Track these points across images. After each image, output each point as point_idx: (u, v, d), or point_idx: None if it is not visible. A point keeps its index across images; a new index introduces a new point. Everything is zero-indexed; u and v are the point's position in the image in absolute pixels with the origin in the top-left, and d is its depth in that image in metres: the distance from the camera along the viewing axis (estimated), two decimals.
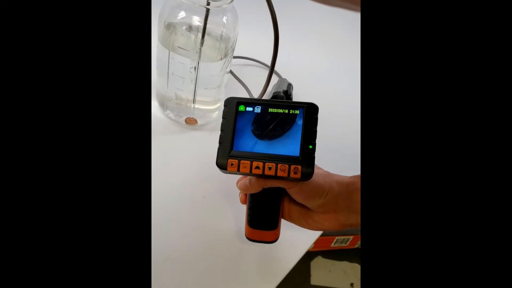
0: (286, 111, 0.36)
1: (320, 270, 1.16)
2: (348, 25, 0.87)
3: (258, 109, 0.36)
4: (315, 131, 0.35)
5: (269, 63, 0.68)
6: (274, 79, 0.66)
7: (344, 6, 0.27)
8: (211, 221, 0.47)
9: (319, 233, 0.49)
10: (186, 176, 0.50)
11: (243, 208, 0.42)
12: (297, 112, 0.35)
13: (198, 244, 0.44)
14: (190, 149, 0.54)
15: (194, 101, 0.52)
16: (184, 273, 0.42)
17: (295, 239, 0.46)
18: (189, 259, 0.43)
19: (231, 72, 0.63)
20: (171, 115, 0.56)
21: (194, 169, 0.51)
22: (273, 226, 0.39)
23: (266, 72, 0.69)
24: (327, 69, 0.75)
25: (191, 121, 0.56)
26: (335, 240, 0.97)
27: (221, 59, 0.48)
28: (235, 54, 0.67)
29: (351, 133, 0.60)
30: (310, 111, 0.35)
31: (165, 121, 0.56)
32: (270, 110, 0.36)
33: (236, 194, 0.41)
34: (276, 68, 0.69)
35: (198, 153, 0.53)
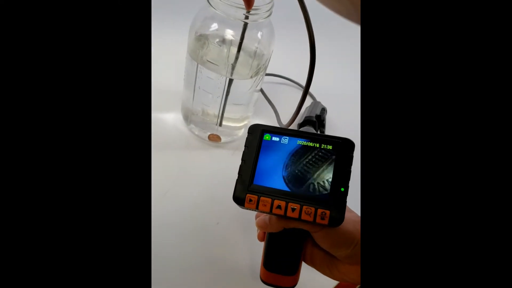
0: (317, 145, 0.32)
1: None
2: None
3: (285, 140, 0.32)
4: (349, 172, 0.30)
5: (303, 83, 0.65)
6: (308, 101, 0.62)
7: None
8: (223, 253, 0.43)
9: None
10: (202, 197, 0.47)
11: (261, 243, 0.38)
12: (330, 147, 0.31)
13: (205, 279, 0.40)
14: (210, 167, 0.51)
15: (219, 118, 0.49)
16: None
17: (313, 283, 0.42)
18: None
19: (261, 91, 0.60)
20: (195, 129, 0.53)
21: (211, 190, 0.48)
22: (292, 272, 0.34)
23: (299, 93, 0.65)
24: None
25: (214, 138, 0.53)
26: (358, 287, 0.90)
27: (251, 77, 0.45)
28: (268, 71, 0.64)
29: None
30: (345, 148, 0.31)
31: (188, 135, 0.53)
32: (299, 142, 0.32)
33: (253, 225, 0.37)
34: (311, 89, 0.65)
35: (218, 172, 0.50)
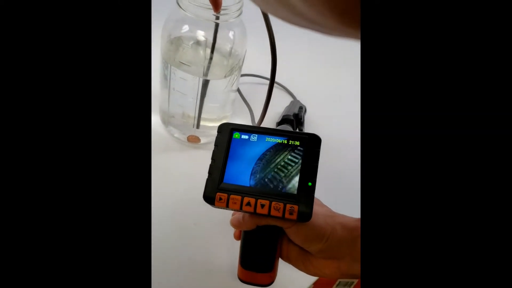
0: (285, 141, 0.32)
1: None
2: None
3: (254, 138, 0.32)
4: (316, 167, 0.31)
5: (282, 82, 0.65)
6: (287, 100, 0.63)
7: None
8: (202, 254, 0.43)
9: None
10: (182, 198, 0.47)
11: (239, 243, 0.38)
12: (297, 143, 0.32)
13: (184, 280, 0.40)
14: (190, 169, 0.51)
15: (196, 119, 0.49)
16: None
17: (292, 280, 0.42)
18: None
19: (238, 91, 0.60)
20: (174, 131, 0.53)
21: (191, 191, 0.48)
22: (268, 268, 0.35)
23: (278, 92, 0.66)
24: (347, 92, 0.71)
25: (193, 139, 0.53)
26: (337, 283, 0.89)
27: (225, 76, 0.45)
28: (247, 72, 0.64)
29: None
30: (311, 143, 0.31)
31: (167, 138, 0.54)
32: (268, 139, 0.32)
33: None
34: (292, 89, 0.66)
35: (197, 173, 0.50)
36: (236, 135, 0.33)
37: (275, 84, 0.67)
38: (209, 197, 0.31)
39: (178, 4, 0.40)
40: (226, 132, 0.33)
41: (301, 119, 0.54)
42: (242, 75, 0.64)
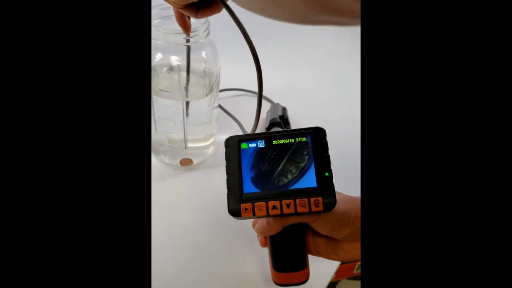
0: (292, 140, 0.33)
1: None
2: (329, 39, 0.86)
3: (262, 144, 0.33)
4: (328, 156, 0.32)
5: (255, 89, 0.67)
6: (266, 106, 0.64)
7: (328, 22, 0.25)
8: (226, 268, 0.43)
9: (339, 262, 0.45)
10: (189, 220, 0.47)
11: (258, 249, 0.38)
12: (304, 139, 0.33)
13: None
14: (188, 191, 0.51)
15: (186, 141, 0.50)
16: None
17: (315, 272, 0.43)
18: None
19: (220, 106, 0.62)
20: (165, 159, 0.53)
21: (196, 212, 0.48)
22: (302, 265, 0.35)
23: (253, 99, 0.68)
24: (318, 87, 0.73)
25: (186, 162, 0.53)
26: (357, 266, 0.91)
27: (206, 95, 0.46)
28: (222, 87, 0.66)
29: (351, 152, 0.58)
30: (318, 135, 0.32)
31: (159, 166, 0.54)
32: (275, 142, 0.33)
33: (254, 234, 0.37)
34: (266, 93, 0.67)
35: (197, 194, 0.51)
36: (243, 145, 0.33)
37: (250, 93, 0.69)
38: (234, 210, 0.31)
39: None
40: (234, 145, 0.33)
41: (287, 119, 0.56)
42: (220, 91, 0.66)
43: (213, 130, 0.54)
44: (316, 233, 0.35)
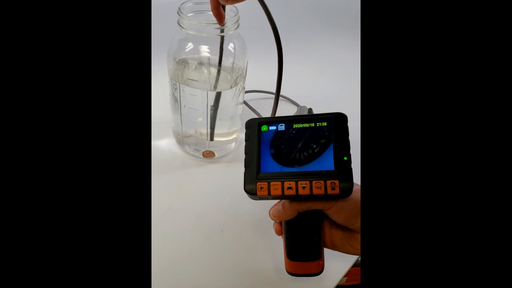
0: (313, 124, 0.33)
1: None
2: (356, 42, 0.86)
3: (282, 127, 0.34)
4: (348, 141, 0.32)
5: (285, 93, 0.68)
6: (293, 109, 0.65)
7: None
8: (239, 255, 0.43)
9: (352, 261, 0.44)
10: (204, 209, 0.48)
11: (270, 239, 0.38)
12: (325, 124, 0.33)
13: (231, 281, 0.41)
14: (207, 181, 0.52)
15: (210, 132, 0.52)
16: None
17: (326, 269, 0.42)
18: None
19: (245, 102, 0.63)
20: (189, 150, 0.55)
21: (212, 201, 0.49)
22: (317, 256, 0.34)
23: (281, 103, 0.69)
24: (344, 90, 0.73)
25: (209, 154, 0.55)
26: None
27: (231, 87, 0.48)
28: (251, 88, 0.68)
29: None
30: (339, 120, 0.33)
31: (183, 156, 0.56)
32: (295, 126, 0.33)
33: (268, 225, 0.37)
34: (294, 98, 0.68)
35: (215, 185, 0.52)
36: (264, 127, 0.34)
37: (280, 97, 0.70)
38: (250, 188, 0.32)
39: (179, 25, 0.44)
40: (254, 126, 0.34)
41: None
42: (246, 92, 0.67)
43: (237, 127, 0.55)
44: (333, 225, 0.34)
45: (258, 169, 0.32)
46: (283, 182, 0.31)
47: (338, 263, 0.43)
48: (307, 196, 0.31)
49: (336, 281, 0.42)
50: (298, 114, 0.61)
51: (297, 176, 0.31)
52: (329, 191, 0.30)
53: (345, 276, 0.44)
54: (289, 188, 0.31)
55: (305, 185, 0.31)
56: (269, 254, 0.43)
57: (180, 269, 0.41)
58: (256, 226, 0.46)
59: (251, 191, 0.32)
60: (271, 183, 0.31)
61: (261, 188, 0.31)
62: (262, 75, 0.65)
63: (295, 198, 0.32)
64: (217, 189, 0.51)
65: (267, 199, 0.33)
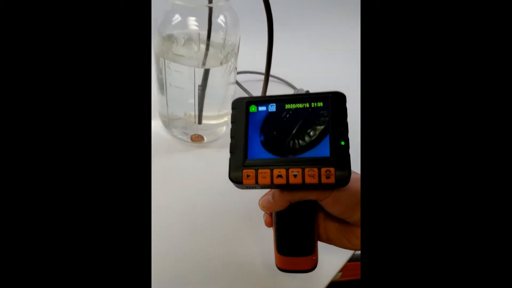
0: (307, 105, 0.29)
1: None
2: (355, 24, 0.82)
3: (272, 107, 0.30)
4: (346, 124, 0.28)
5: (279, 75, 0.65)
6: (290, 91, 0.61)
7: None
8: (226, 248, 0.40)
9: (348, 255, 0.41)
10: (193, 196, 0.45)
11: (264, 231, 0.35)
12: (321, 104, 0.29)
13: (214, 277, 0.38)
14: (196, 168, 0.49)
15: (198, 114, 0.48)
16: None
17: (320, 264, 0.39)
18: None
19: (237, 83, 0.59)
20: (177, 133, 0.51)
21: (201, 189, 0.46)
22: (310, 251, 0.31)
23: (277, 86, 0.65)
24: (342, 72, 0.69)
25: (197, 138, 0.51)
26: None
27: (221, 63, 0.44)
28: (244, 69, 0.64)
29: None
30: (337, 101, 0.29)
31: (170, 140, 0.52)
32: (288, 106, 0.30)
33: (259, 215, 0.34)
34: (291, 80, 0.65)
35: (205, 171, 0.48)
36: (252, 108, 0.30)
37: (275, 79, 0.66)
38: (236, 176, 0.28)
39: None
40: (242, 107, 0.31)
41: None
42: (239, 73, 0.63)
43: (228, 109, 0.51)
44: (328, 217, 0.31)
45: (245, 155, 0.29)
46: (272, 169, 0.28)
47: (332, 257, 0.40)
48: (299, 185, 0.28)
49: (330, 277, 0.39)
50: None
51: (288, 164, 0.28)
52: (324, 180, 0.27)
53: (340, 271, 0.41)
54: (279, 176, 0.28)
55: (296, 173, 0.27)
56: (259, 247, 0.40)
57: (162, 260, 0.38)
58: (245, 216, 0.42)
59: (236, 179, 0.28)
60: (259, 170, 0.28)
61: (248, 176, 0.28)
62: (257, 55, 0.60)
63: (286, 187, 0.29)
64: (206, 176, 0.47)
65: (255, 188, 0.29)
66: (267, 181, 0.28)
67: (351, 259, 0.42)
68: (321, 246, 0.33)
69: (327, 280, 0.39)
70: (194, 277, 0.37)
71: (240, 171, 0.28)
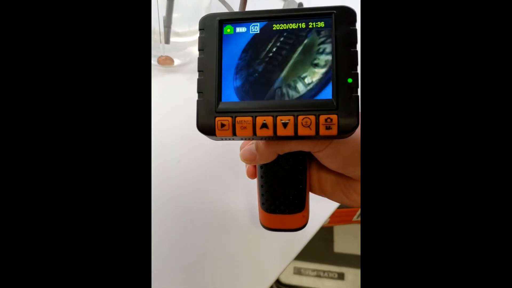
0: (303, 25, 0.22)
1: (345, 236, 1.05)
2: None
3: (255, 28, 0.22)
4: (356, 53, 0.21)
5: None
6: (279, 4, 0.51)
7: None
8: (201, 198, 0.35)
9: (336, 204, 0.36)
10: (159, 131, 0.38)
11: (244, 181, 0.29)
12: (322, 24, 0.22)
13: (195, 231, 0.33)
14: (165, 97, 0.41)
15: (166, 32, 0.39)
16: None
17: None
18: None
19: None
20: None
21: (169, 123, 0.39)
22: (300, 207, 0.26)
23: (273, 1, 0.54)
24: None
25: (165, 61, 0.43)
26: (357, 214, 0.82)
27: None
28: None
29: None
30: (343, 20, 0.21)
31: None
32: (276, 27, 0.22)
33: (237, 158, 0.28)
34: None
35: (175, 101, 0.41)
36: (228, 29, 0.22)
37: None
38: (206, 124, 0.22)
39: None
40: (213, 27, 0.22)
41: None
42: None
43: None
44: (322, 167, 0.26)
45: (218, 97, 0.22)
46: (255, 117, 0.21)
47: (321, 204, 0.35)
48: (290, 137, 0.21)
49: (319, 224, 0.35)
50: (286, 6, 0.47)
51: (276, 109, 0.21)
52: (322, 132, 0.21)
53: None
54: (264, 126, 0.21)
55: (286, 122, 0.21)
56: (240, 196, 0.35)
57: None
58: (220, 158, 0.36)
59: (207, 130, 0.22)
60: (238, 118, 0.21)
61: (222, 125, 0.22)
62: None
63: (273, 139, 0.23)
64: (176, 106, 0.40)
65: (233, 139, 0.23)
66: (249, 132, 0.21)
67: (341, 206, 0.37)
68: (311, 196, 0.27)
69: (315, 227, 0.35)
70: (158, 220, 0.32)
71: (212, 118, 0.22)
